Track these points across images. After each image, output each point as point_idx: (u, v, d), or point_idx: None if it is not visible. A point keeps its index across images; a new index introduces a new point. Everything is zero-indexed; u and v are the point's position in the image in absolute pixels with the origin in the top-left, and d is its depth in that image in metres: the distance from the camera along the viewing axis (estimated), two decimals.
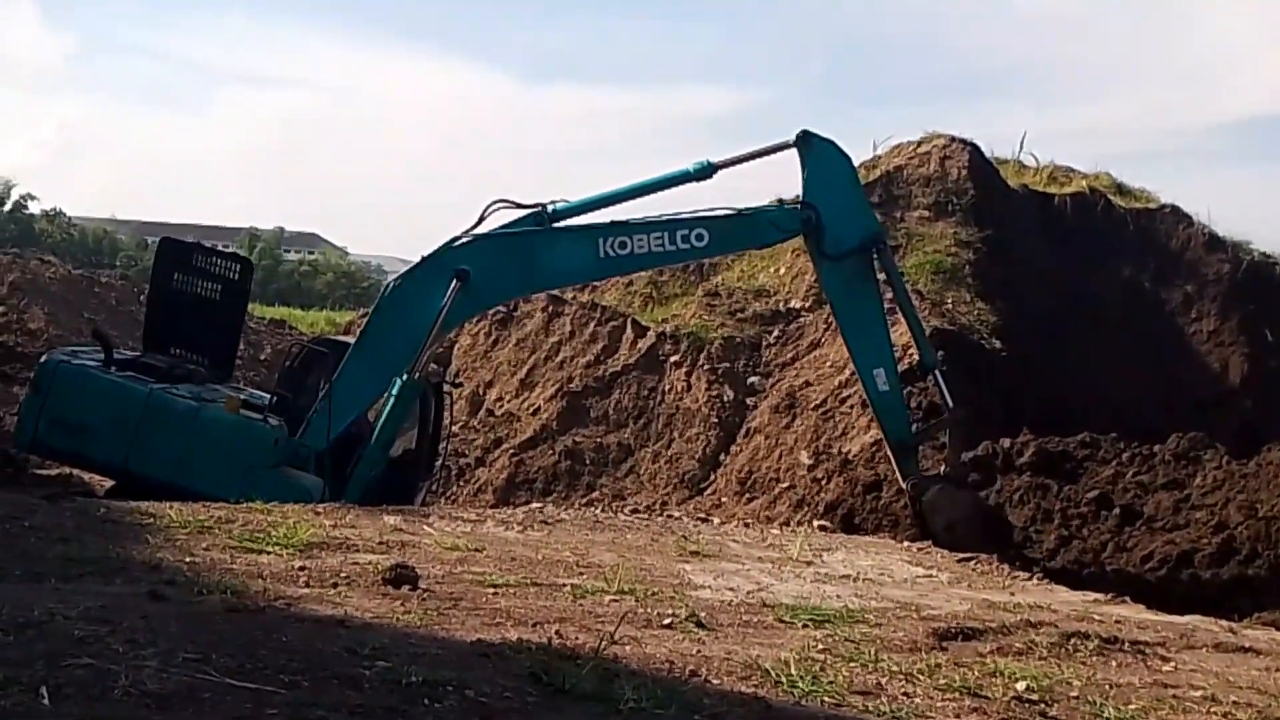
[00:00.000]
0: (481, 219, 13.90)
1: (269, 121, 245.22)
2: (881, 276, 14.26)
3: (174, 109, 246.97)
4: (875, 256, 13.93)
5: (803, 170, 13.84)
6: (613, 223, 13.93)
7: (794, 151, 13.90)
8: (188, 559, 7.20)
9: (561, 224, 14.25)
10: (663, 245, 13.68)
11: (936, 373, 14.66)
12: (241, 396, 14.24)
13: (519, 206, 14.20)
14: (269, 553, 7.63)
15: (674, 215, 13.84)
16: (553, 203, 14.27)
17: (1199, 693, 6.08)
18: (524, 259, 13.94)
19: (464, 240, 13.63)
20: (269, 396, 14.16)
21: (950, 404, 14.38)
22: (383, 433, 13.21)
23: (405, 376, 13.12)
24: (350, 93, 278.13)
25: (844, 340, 15.08)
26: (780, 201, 15.36)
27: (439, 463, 16.71)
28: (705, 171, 14.08)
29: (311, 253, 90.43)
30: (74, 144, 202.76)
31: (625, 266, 15.42)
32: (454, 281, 13.20)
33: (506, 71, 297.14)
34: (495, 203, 14.01)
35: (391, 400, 13.12)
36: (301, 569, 7.18)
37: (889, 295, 14.46)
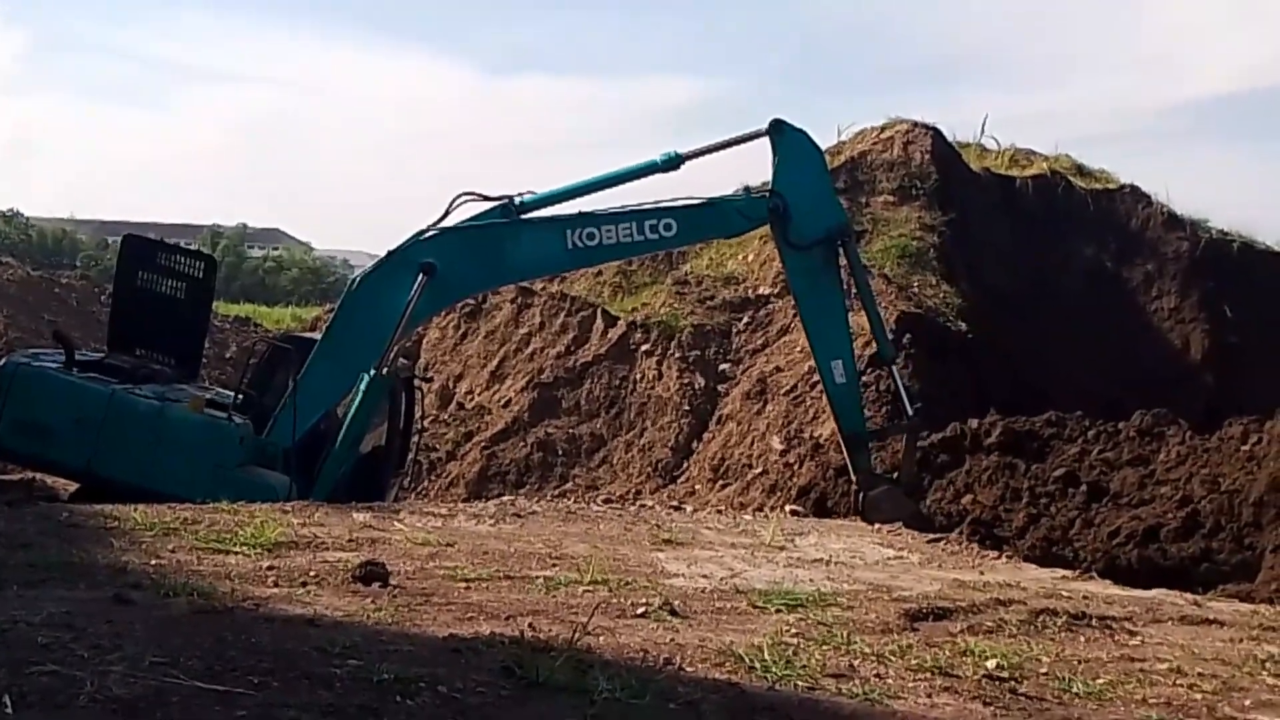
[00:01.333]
0: (447, 212, 13.86)
1: (230, 118, 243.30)
2: (845, 268, 14.29)
3: (133, 107, 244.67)
4: (840, 248, 13.96)
5: (773, 158, 13.87)
6: (580, 214, 13.90)
7: (761, 141, 13.93)
8: (153, 561, 7.14)
9: (529, 216, 14.22)
10: (631, 235, 13.67)
11: (895, 377, 14.92)
12: (207, 396, 14.15)
13: (486, 199, 14.13)
14: (236, 553, 7.58)
15: (642, 205, 13.84)
16: (520, 195, 14.22)
17: (1165, 665, 6.14)
18: (491, 252, 13.90)
19: (430, 234, 13.58)
20: (233, 394, 14.07)
21: (910, 411, 14.45)
22: (350, 429, 13.15)
23: (372, 372, 13.06)
24: (313, 88, 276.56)
25: (804, 330, 15.17)
26: (747, 189, 15.37)
27: (410, 457, 16.64)
28: (673, 162, 14.08)
29: (275, 249, 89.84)
30: (29, 143, 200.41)
31: (594, 258, 15.46)
32: (420, 276, 13.14)
33: (471, 64, 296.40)
34: (462, 195, 13.96)
35: (359, 396, 13.05)
36: (270, 569, 7.14)
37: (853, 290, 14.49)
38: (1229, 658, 6.49)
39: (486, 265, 13.98)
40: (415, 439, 16.57)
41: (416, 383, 16.35)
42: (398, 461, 15.73)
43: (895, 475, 14.37)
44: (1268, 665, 6.34)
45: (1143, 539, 12.52)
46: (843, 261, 14.11)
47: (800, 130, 14.00)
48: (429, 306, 14.14)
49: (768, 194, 14.07)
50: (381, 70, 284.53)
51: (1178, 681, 5.84)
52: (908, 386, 19.16)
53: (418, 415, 16.17)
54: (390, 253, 13.64)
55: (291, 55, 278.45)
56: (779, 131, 13.82)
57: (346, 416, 13.26)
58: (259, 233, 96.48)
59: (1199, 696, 5.59)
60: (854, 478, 14.16)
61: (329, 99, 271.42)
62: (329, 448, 13.09)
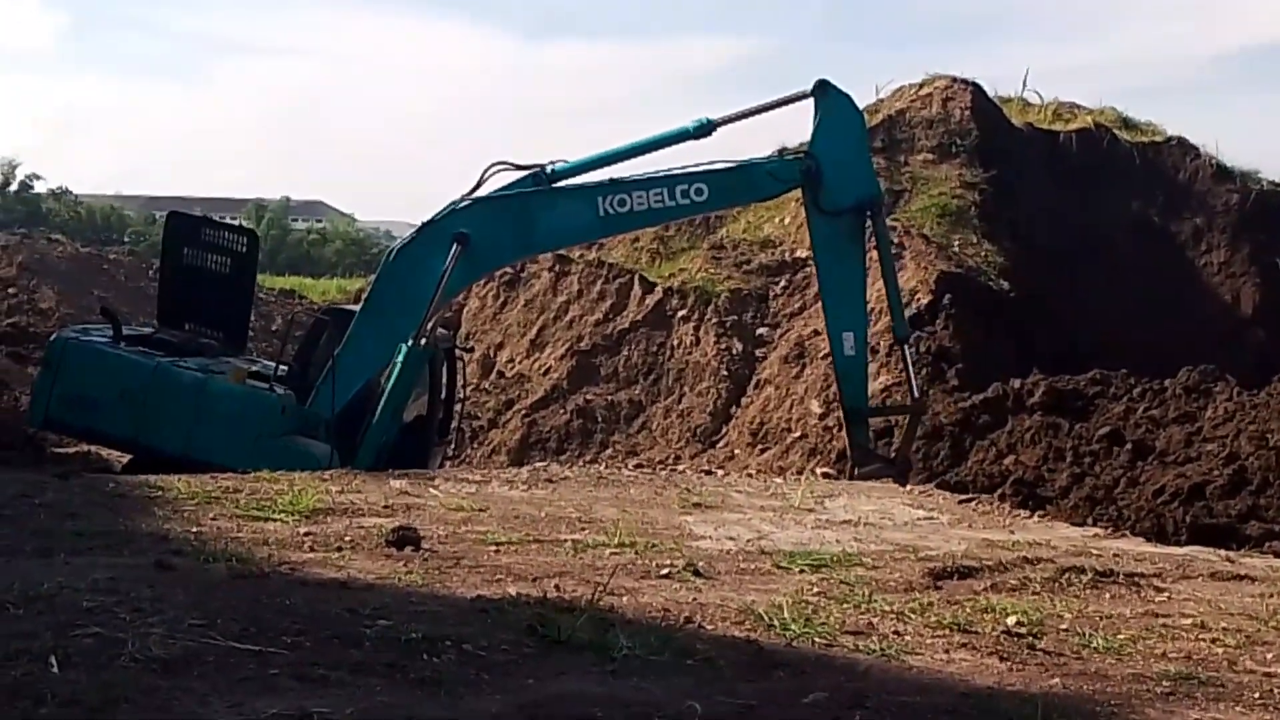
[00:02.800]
0: (480, 182, 13.96)
1: (270, 91, 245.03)
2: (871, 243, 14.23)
3: (174, 83, 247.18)
4: (869, 219, 13.88)
5: (814, 119, 13.82)
6: (611, 181, 13.92)
7: (795, 106, 13.91)
8: (194, 529, 7.31)
9: (560, 184, 14.27)
10: (662, 201, 13.66)
11: (906, 357, 14.74)
12: (253, 368, 14.36)
13: (518, 168, 14.21)
14: (275, 520, 7.74)
15: (673, 170, 13.84)
16: (552, 164, 14.29)
17: (1189, 620, 6.15)
18: (524, 220, 13.96)
19: (463, 204, 13.67)
20: (274, 366, 14.28)
21: (916, 394, 14.49)
22: (390, 399, 13.29)
23: (410, 343, 13.19)
24: (350, 58, 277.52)
25: (821, 296, 15.16)
26: (782, 152, 15.30)
27: (454, 426, 16.79)
28: (705, 129, 14.07)
29: (319, 221, 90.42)
30: (75, 122, 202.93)
31: (626, 224, 15.40)
32: (454, 246, 13.25)
33: (508, 30, 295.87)
34: (494, 165, 14.05)
35: (397, 367, 13.19)
36: (306, 534, 7.29)
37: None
38: (1255, 612, 6.49)
39: (519, 234, 14.05)
40: (458, 408, 16.72)
41: (458, 353, 16.47)
42: (441, 430, 15.88)
43: (892, 455, 14.35)
44: None
45: (1188, 497, 12.43)
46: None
47: (844, 94, 13.93)
48: (464, 276, 14.26)
49: (802, 156, 14.04)
50: (418, 38, 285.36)
51: (1200, 636, 5.86)
52: (947, 347, 19.23)
53: (460, 384, 16.30)
54: (425, 224, 13.75)
55: (327, 25, 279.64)
56: (823, 93, 13.74)
57: (386, 386, 13.41)
58: (302, 205, 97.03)
59: (1220, 651, 5.61)
60: (849, 452, 14.14)
61: (366, 69, 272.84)
62: (370, 417, 13.24)
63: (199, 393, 13.39)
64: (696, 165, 13.90)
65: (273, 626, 4.99)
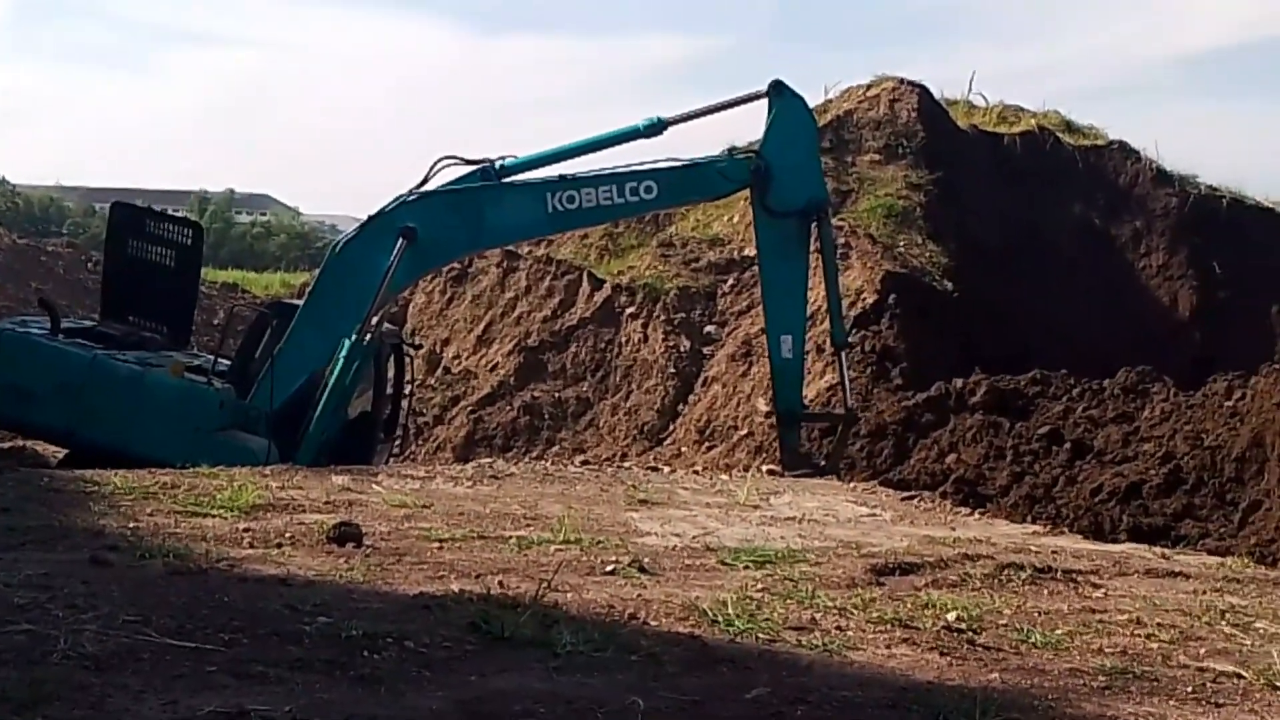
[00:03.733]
0: (428, 176, 13.90)
1: (217, 82, 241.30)
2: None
3: (118, 72, 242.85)
4: (815, 224, 14.01)
5: (767, 119, 13.91)
6: (560, 177, 13.92)
7: (747, 105, 14.01)
8: (131, 525, 7.22)
9: (509, 180, 14.22)
10: (611, 199, 13.67)
11: (842, 364, 14.97)
12: (196, 362, 14.20)
13: (467, 163, 14.18)
14: (214, 516, 7.66)
15: (623, 168, 13.83)
16: (501, 159, 14.24)
17: (1125, 616, 6.24)
18: (472, 215, 13.92)
19: (410, 198, 13.59)
20: (212, 359, 14.14)
21: (849, 403, 14.68)
22: (332, 395, 13.18)
23: (353, 338, 13.10)
24: (300, 50, 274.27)
25: (762, 297, 15.22)
26: (731, 151, 15.33)
27: (401, 423, 16.69)
28: (655, 128, 14.11)
29: (263, 214, 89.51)
30: (14, 111, 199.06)
31: (574, 221, 15.35)
32: (400, 240, 13.16)
33: (462, 23, 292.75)
34: (442, 159, 14.01)
35: (339, 362, 13.10)
36: (246, 530, 7.22)
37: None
38: (1189, 609, 6.60)
39: (467, 229, 14.01)
40: (405, 405, 16.62)
41: (406, 349, 16.39)
42: (389, 428, 15.78)
43: (823, 461, 14.44)
44: (1227, 616, 6.45)
45: (1125, 496, 12.59)
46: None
47: (798, 96, 14.05)
48: (410, 271, 14.16)
49: (752, 155, 14.08)
50: (369, 30, 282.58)
51: (1136, 632, 5.94)
52: (891, 347, 19.37)
53: (407, 381, 16.21)
54: (370, 218, 13.69)
55: (276, 16, 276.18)
56: (778, 94, 13.84)
57: (328, 382, 13.31)
58: (246, 198, 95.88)
59: (1155, 646, 5.69)
60: (780, 453, 14.23)
61: (315, 61, 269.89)
62: (311, 412, 13.14)
63: (135, 386, 13.20)
64: (646, 163, 13.92)
65: (210, 623, 4.96)
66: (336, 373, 13.11)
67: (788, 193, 13.78)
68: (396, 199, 13.60)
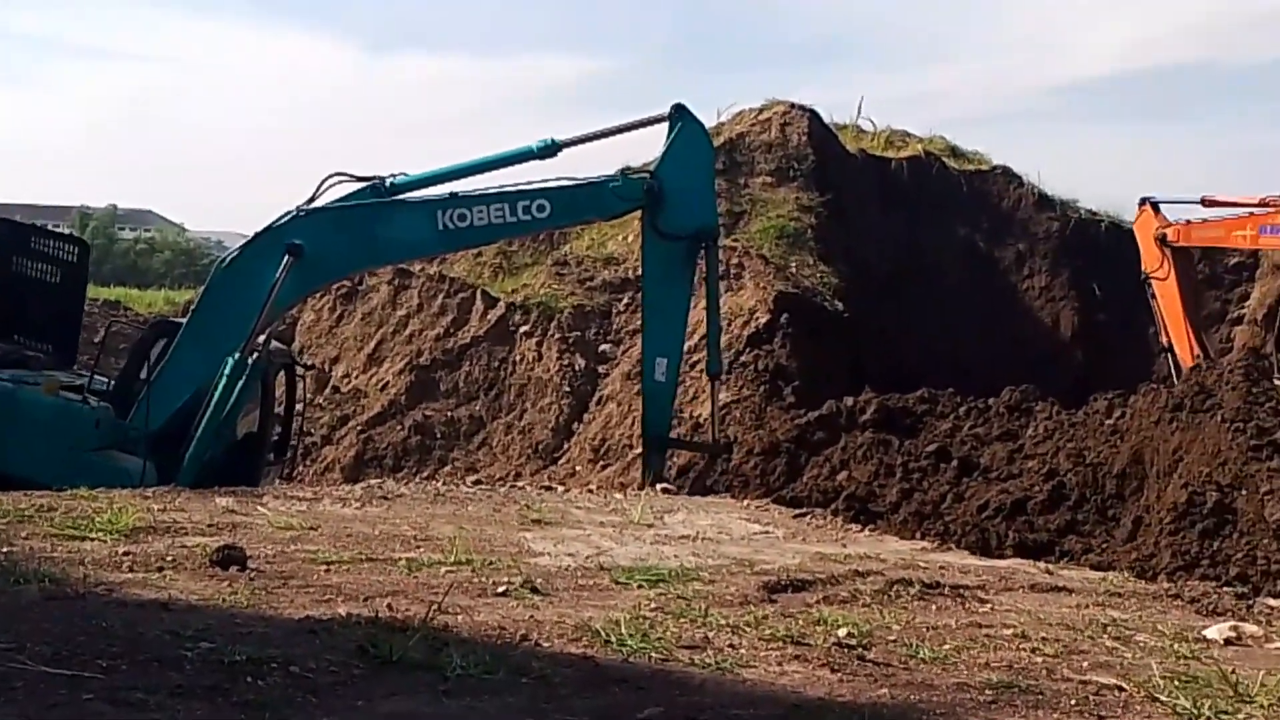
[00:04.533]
0: (317, 193, 13.69)
1: (100, 96, 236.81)
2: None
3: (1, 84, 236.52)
4: (703, 250, 14.04)
5: (666, 142, 13.91)
6: (451, 195, 13.77)
7: (642, 129, 14.08)
8: (5, 549, 6.97)
9: (400, 197, 14.07)
10: (503, 217, 13.53)
11: (714, 394, 15.14)
12: (78, 381, 13.84)
13: (357, 179, 13.99)
14: (92, 539, 7.44)
15: (515, 187, 13.75)
16: (391, 176, 14.09)
17: (1010, 631, 6.34)
18: (360, 232, 13.69)
19: (298, 214, 13.39)
20: (89, 377, 13.79)
21: (715, 435, 14.89)
22: (214, 414, 12.90)
23: (236, 356, 12.85)
24: (186, 64, 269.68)
25: (642, 319, 15.25)
26: (625, 171, 15.30)
27: (292, 444, 16.40)
28: (549, 149, 14.03)
29: (147, 230, 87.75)
30: None
31: (465, 239, 15.03)
32: (286, 257, 12.95)
33: (350, 40, 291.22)
34: (332, 176, 13.81)
35: (222, 381, 12.84)
36: (126, 554, 7.02)
37: None
38: (1073, 623, 6.73)
39: (355, 246, 13.80)
40: (298, 425, 16.34)
41: (297, 368, 16.12)
42: (279, 449, 15.51)
43: (686, 491, 14.54)
44: (1109, 629, 6.59)
45: (1010, 512, 12.77)
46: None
47: (698, 121, 14.07)
48: (295, 289, 13.84)
49: (646, 175, 14.06)
50: (257, 46, 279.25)
51: (1021, 646, 6.04)
52: (784, 365, 19.56)
53: (298, 401, 15.94)
54: (257, 234, 13.47)
55: (163, 30, 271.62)
56: (679, 116, 13.84)
57: (210, 401, 13.04)
58: (129, 214, 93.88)
59: (1040, 659, 5.79)
60: (642, 479, 14.24)
61: (203, 76, 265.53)
62: (193, 432, 12.86)
63: (8, 404, 12.80)
64: (539, 182, 13.86)
65: (87, 650, 4.81)
66: (219, 392, 12.84)
67: (679, 216, 13.78)
68: (284, 214, 13.38)
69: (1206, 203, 20.19)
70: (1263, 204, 19.36)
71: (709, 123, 25.83)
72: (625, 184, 14.05)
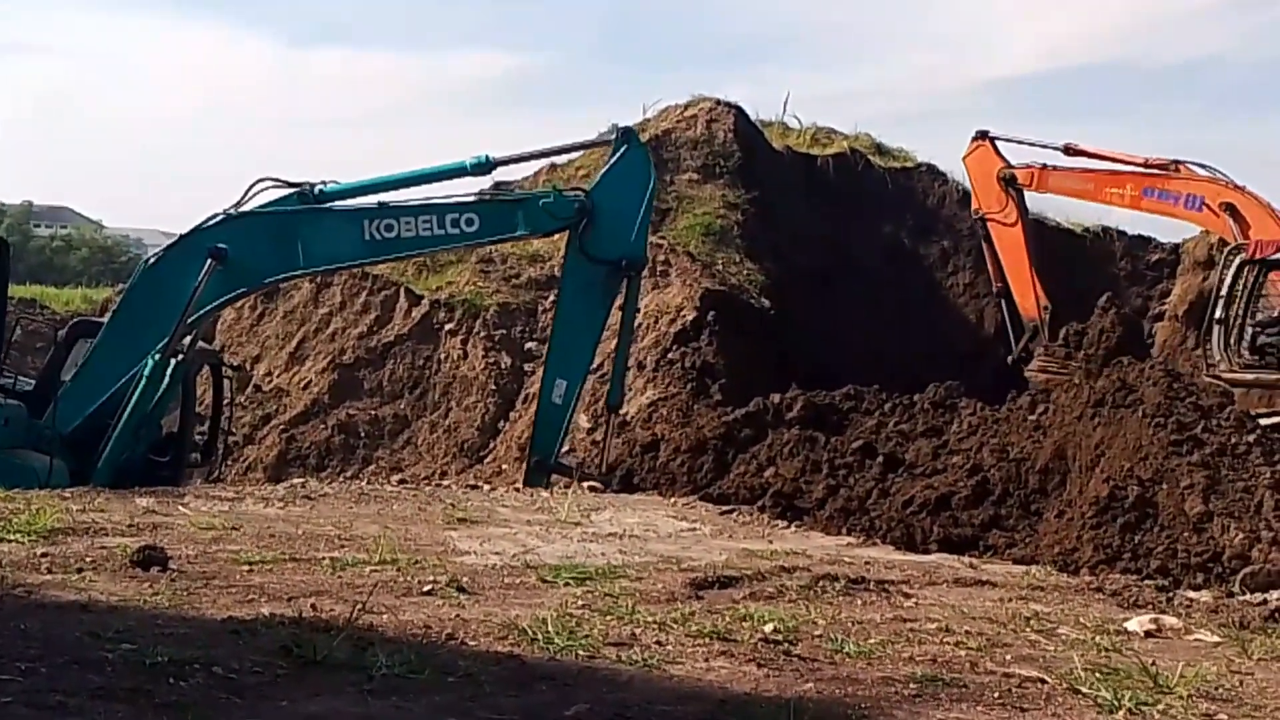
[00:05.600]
0: (245, 197, 13.50)
1: (14, 90, 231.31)
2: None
3: None
4: (626, 281, 13.76)
5: (607, 162, 13.77)
6: (380, 205, 13.49)
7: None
8: None
9: (328, 205, 13.87)
10: (431, 229, 13.28)
11: (610, 428, 14.96)
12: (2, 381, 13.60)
13: (286, 185, 13.78)
14: (9, 540, 7.27)
15: (445, 199, 13.56)
16: (322, 183, 13.88)
17: (935, 625, 6.40)
18: (286, 239, 13.42)
19: (224, 217, 13.21)
20: (14, 378, 13.57)
21: (605, 467, 14.64)
22: (133, 415, 12.72)
23: (156, 357, 12.65)
24: (102, 59, 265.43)
25: (551, 335, 14.87)
26: (555, 189, 14.90)
27: (220, 447, 16.16)
28: (483, 167, 13.84)
29: (64, 227, 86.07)
30: None
31: (392, 250, 14.33)
32: (209, 260, 12.76)
33: (271, 36, 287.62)
34: (260, 181, 13.62)
35: (142, 381, 12.65)
36: (44, 555, 6.87)
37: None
38: (996, 616, 6.81)
39: (280, 252, 13.49)
40: (225, 426, 16.10)
41: (225, 370, 15.90)
42: (205, 450, 15.33)
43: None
44: (1032, 622, 6.67)
45: (935, 507, 12.97)
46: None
47: (644, 147, 13.97)
48: (217, 293, 13.47)
49: (580, 193, 13.85)
50: (176, 41, 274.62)
51: (945, 640, 6.11)
52: (711, 363, 19.65)
53: (225, 403, 15.73)
54: (182, 236, 13.32)
55: (78, 24, 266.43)
56: (625, 141, 13.68)
57: (129, 401, 12.84)
58: (45, 210, 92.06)
59: (964, 653, 5.85)
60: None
61: (122, 71, 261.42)
62: (110, 432, 12.66)
63: None
64: (466, 195, 13.71)
65: (5, 652, 4.71)
66: (138, 393, 12.65)
67: (607, 241, 13.45)
68: (210, 217, 13.20)
69: (1070, 150, 19.64)
70: (1146, 165, 19.11)
71: (634, 119, 26.03)
72: (557, 201, 13.70)
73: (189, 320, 13.03)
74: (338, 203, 13.89)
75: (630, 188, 13.72)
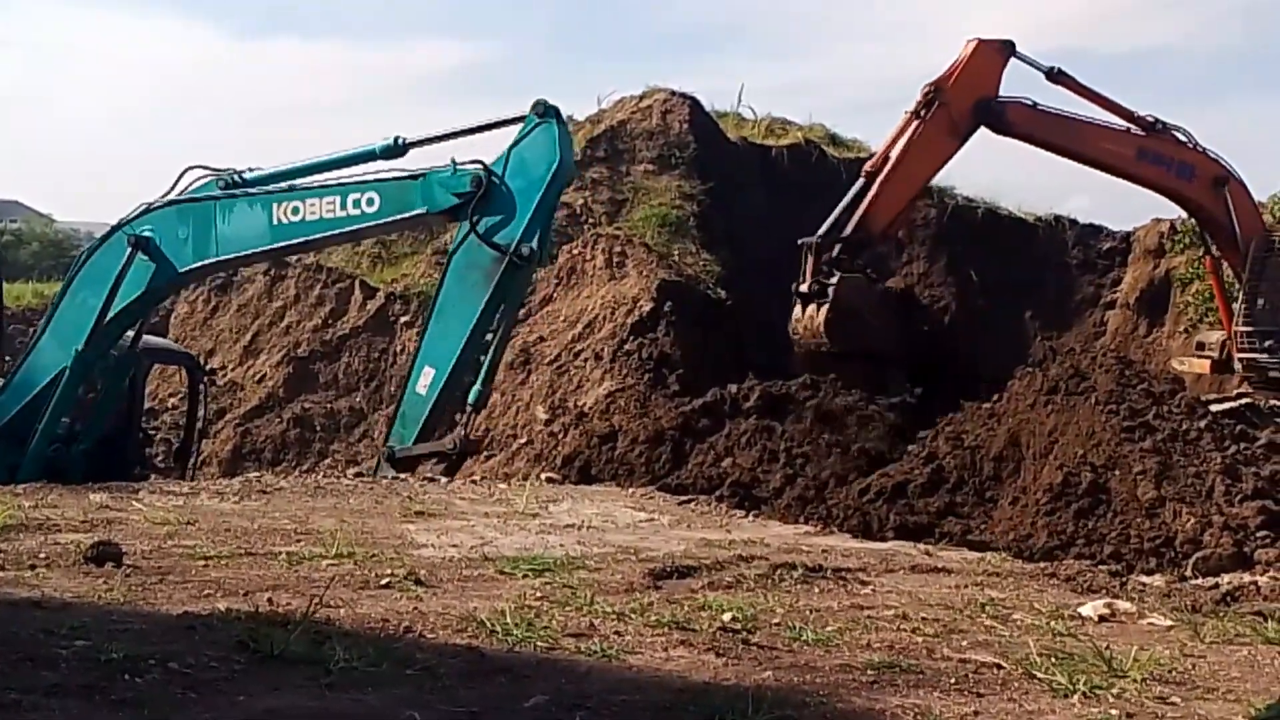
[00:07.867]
0: (176, 185, 13.31)
1: None
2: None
3: None
4: (512, 270, 12.44)
5: (519, 136, 12.52)
6: (289, 187, 13.01)
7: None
8: None
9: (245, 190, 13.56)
10: (334, 210, 12.55)
11: (467, 418, 13.25)
12: None
13: (215, 172, 13.56)
14: None
15: (350, 179, 12.93)
16: (246, 170, 13.63)
17: (892, 612, 6.46)
18: (201, 225, 12.95)
19: (144, 206, 13.06)
20: None
21: (459, 438, 13.12)
22: (54, 409, 12.62)
23: (80, 349, 12.60)
24: (49, 50, 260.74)
25: (426, 320, 13.73)
26: (454, 162, 12.82)
27: (195, 450, 15.97)
28: (395, 150, 13.10)
29: (13, 221, 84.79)
30: None
31: (299, 233, 13.16)
32: (131, 250, 12.60)
33: (220, 25, 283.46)
34: (191, 168, 13.41)
35: (66, 374, 12.55)
36: None
37: None
38: (952, 603, 6.87)
39: (195, 239, 12.99)
40: (198, 425, 15.91)
41: (203, 375, 15.81)
42: (180, 452, 15.34)
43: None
44: (987, 609, 6.73)
45: (892, 495, 13.04)
46: None
47: (564, 126, 12.57)
48: (140, 283, 13.04)
49: (479, 164, 12.48)
50: (126, 32, 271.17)
51: (902, 626, 6.15)
52: (668, 353, 19.68)
53: (200, 404, 15.61)
54: (112, 227, 13.16)
55: (22, 14, 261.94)
56: (544, 116, 12.39)
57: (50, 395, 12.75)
58: None
59: (920, 639, 5.90)
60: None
61: (70, 62, 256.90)
62: (36, 426, 12.56)
63: None
64: (369, 174, 12.92)
65: None
66: (61, 387, 12.54)
67: (503, 222, 12.26)
68: (138, 207, 13.05)
69: (1053, 76, 18.04)
70: (1139, 121, 18.28)
71: (589, 110, 26.03)
72: (454, 176, 12.42)
73: (114, 312, 12.82)
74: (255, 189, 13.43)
75: (540, 165, 12.38)
